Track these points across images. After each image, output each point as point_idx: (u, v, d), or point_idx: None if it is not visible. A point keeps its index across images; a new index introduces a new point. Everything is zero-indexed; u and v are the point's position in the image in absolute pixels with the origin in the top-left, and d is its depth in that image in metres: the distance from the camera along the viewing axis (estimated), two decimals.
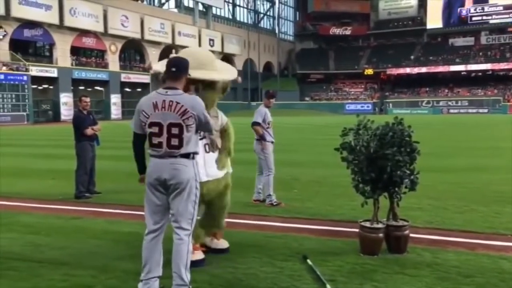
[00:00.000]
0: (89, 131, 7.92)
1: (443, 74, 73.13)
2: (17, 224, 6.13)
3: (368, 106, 70.93)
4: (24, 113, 43.20)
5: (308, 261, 4.42)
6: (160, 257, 3.66)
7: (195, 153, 3.64)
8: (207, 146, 4.54)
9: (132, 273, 4.05)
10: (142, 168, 3.80)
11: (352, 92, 78.57)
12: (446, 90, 72.19)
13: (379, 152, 4.48)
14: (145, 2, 65.73)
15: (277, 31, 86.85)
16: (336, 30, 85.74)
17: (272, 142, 7.27)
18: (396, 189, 4.67)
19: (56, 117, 47.77)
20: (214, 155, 4.58)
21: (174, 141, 3.50)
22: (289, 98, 74.81)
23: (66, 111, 46.58)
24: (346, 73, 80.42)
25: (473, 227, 5.66)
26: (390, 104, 69.45)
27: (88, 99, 8.14)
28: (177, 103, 3.48)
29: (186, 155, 3.56)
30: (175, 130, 3.49)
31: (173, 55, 4.04)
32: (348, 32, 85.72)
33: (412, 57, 77.96)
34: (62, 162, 11.96)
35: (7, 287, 3.98)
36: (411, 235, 4.94)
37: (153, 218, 3.63)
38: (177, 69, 3.61)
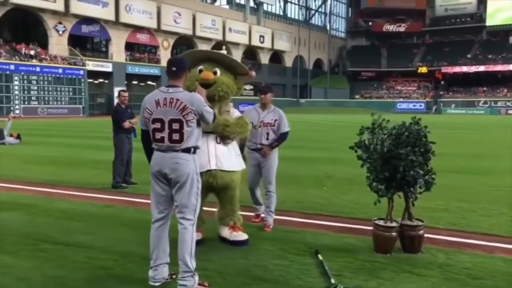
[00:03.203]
0: (126, 124, 8.29)
1: (502, 73, 69.96)
2: (54, 210, 6.57)
3: (420, 105, 69.09)
4: (80, 106, 45.07)
5: (319, 256, 4.50)
6: (166, 244, 3.87)
7: (196, 147, 3.80)
8: (217, 138, 4.82)
9: (149, 259, 4.28)
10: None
11: (404, 91, 76.59)
12: (505, 90, 68.95)
13: (392, 151, 4.49)
14: None
15: (328, 28, 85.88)
16: (389, 27, 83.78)
17: (253, 149, 5.70)
18: (411, 189, 4.66)
19: (110, 110, 49.52)
20: (225, 148, 4.85)
21: (175, 136, 3.69)
22: (339, 95, 74.11)
23: None
24: (399, 71, 78.52)
25: (498, 231, 5.53)
26: (452, 104, 67.27)
27: (126, 94, 8.53)
28: (177, 99, 3.67)
29: (187, 150, 3.73)
30: (175, 126, 3.67)
31: (223, 51, 4.81)
32: (402, 29, 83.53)
33: (469, 55, 75.05)
34: (107, 153, 12.46)
35: (36, 266, 4.33)
36: (429, 235, 4.94)
37: (158, 208, 3.86)
38: (178, 68, 3.83)
